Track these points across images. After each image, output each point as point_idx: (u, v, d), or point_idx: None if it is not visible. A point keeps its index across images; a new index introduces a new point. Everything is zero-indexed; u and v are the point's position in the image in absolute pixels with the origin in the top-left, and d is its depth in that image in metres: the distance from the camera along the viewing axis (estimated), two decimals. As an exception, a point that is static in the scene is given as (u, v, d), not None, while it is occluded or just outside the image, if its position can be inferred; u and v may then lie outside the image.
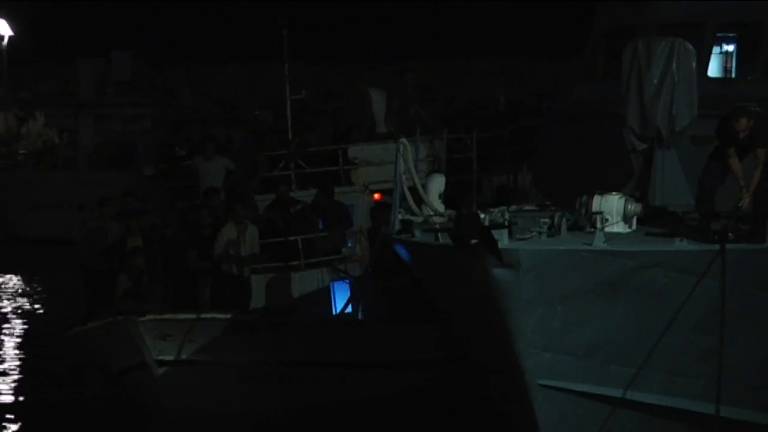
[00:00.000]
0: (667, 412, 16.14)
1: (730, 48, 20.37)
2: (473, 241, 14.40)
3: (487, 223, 14.66)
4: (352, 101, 26.92)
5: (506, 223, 14.69)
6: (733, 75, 20.24)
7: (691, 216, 16.70)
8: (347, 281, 22.54)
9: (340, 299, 22.46)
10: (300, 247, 22.55)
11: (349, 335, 21.38)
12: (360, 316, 22.23)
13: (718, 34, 20.07)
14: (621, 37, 18.72)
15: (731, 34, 20.18)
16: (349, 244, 23.26)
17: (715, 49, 20.47)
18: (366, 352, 20.99)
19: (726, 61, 20.45)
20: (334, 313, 22.34)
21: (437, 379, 21.05)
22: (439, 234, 15.21)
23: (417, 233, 16.05)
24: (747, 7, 19.88)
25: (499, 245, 14.48)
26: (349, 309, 22.36)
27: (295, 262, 22.42)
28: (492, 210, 15.97)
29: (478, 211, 15.35)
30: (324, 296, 22.43)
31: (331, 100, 29.20)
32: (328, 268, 22.61)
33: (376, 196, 24.16)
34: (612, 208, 15.81)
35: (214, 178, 23.61)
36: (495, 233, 14.46)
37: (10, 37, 48.71)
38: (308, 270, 22.57)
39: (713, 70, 20.36)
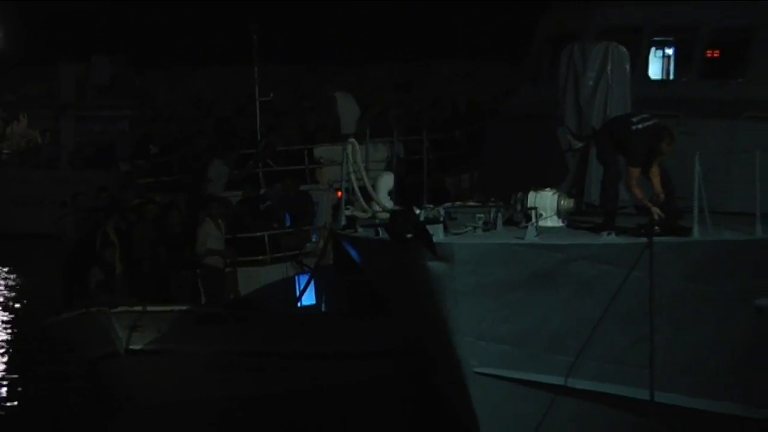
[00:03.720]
0: (602, 398, 16.07)
1: (670, 51, 20.33)
2: (408, 236, 14.31)
3: (422, 218, 14.58)
4: (321, 103, 26.88)
5: (441, 219, 14.60)
6: (672, 77, 20.18)
7: (624, 211, 16.58)
8: (310, 275, 22.42)
9: (305, 291, 22.40)
10: (266, 242, 22.41)
11: (311, 327, 21.36)
12: (323, 309, 22.23)
13: (656, 38, 19.97)
14: (564, 41, 18.59)
15: (670, 38, 20.13)
16: (314, 239, 23.16)
17: (658, 53, 20.41)
18: (328, 344, 20.96)
19: (666, 64, 20.44)
20: (298, 305, 22.19)
21: (395, 369, 21.00)
22: (379, 229, 15.14)
23: (360, 229, 15.95)
24: (682, 12, 19.79)
25: (434, 239, 14.42)
26: (312, 301, 22.35)
27: (261, 257, 22.28)
28: (428, 206, 15.86)
29: (414, 208, 15.30)
30: (289, 289, 22.28)
31: (304, 101, 29.31)
32: (293, 262, 22.50)
33: (339, 193, 24.10)
34: (545, 204, 15.75)
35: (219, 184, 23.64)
36: (430, 228, 14.38)
37: (-6, 43, 48.81)
38: (274, 264, 22.42)
39: (654, 72, 20.28)
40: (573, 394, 15.89)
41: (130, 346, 19.86)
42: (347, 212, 16.22)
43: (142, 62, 47.50)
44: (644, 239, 15.26)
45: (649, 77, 19.98)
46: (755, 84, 18.60)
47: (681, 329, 16.04)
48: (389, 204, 16.47)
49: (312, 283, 22.17)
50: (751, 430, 17.45)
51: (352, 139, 16.25)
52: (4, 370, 23.51)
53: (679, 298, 15.85)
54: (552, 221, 15.81)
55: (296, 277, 22.35)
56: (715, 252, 15.96)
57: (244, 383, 20.37)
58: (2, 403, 21.14)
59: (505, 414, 15.54)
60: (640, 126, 16.29)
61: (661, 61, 20.50)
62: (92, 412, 20.76)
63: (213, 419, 20.06)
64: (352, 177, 15.83)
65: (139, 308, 19.99)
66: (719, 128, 18.33)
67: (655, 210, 15.91)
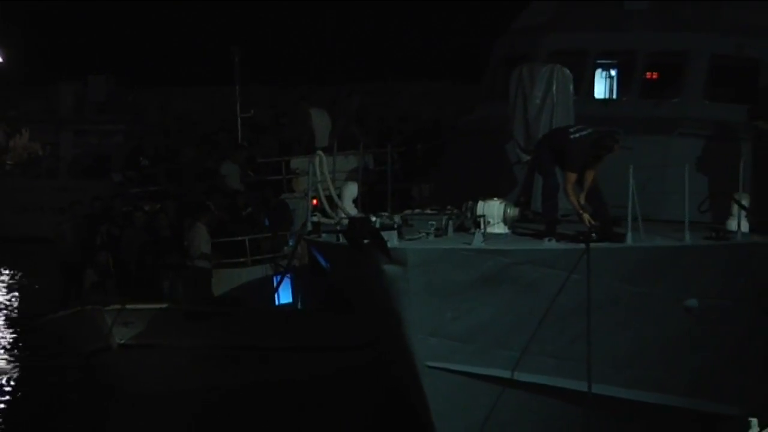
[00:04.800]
0: (546, 390, 16.03)
1: (614, 73, 20.35)
2: (365, 241, 14.27)
3: (377, 225, 14.48)
4: (296, 119, 26.82)
5: (395, 226, 14.50)
6: (615, 96, 20.17)
7: (568, 218, 16.60)
8: (288, 275, 22.40)
9: (283, 291, 22.38)
10: (247, 245, 22.43)
11: (288, 323, 21.39)
12: (299, 306, 22.25)
13: (600, 61, 20.03)
14: (517, 63, 18.62)
15: (614, 61, 20.14)
16: (290, 243, 23.17)
17: (604, 74, 20.41)
18: (303, 338, 20.98)
19: (610, 85, 20.43)
20: (276, 303, 22.16)
21: (365, 360, 21.02)
22: (340, 235, 15.06)
23: (323, 234, 15.88)
24: (623, 39, 19.86)
25: (389, 245, 14.35)
26: (289, 299, 22.35)
27: (242, 259, 22.28)
28: (383, 214, 15.73)
29: (370, 215, 15.12)
30: (267, 288, 22.24)
31: (281, 117, 29.23)
32: (272, 264, 22.50)
33: (314, 201, 24.11)
34: (493, 212, 15.69)
35: (233, 179, 23.59)
36: (385, 234, 14.32)
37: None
38: (254, 266, 22.38)
39: (600, 92, 20.32)
40: (518, 386, 15.84)
41: (121, 341, 19.85)
42: (314, 219, 16.08)
43: (135, 81, 47.27)
44: (582, 245, 15.22)
45: (594, 96, 20.03)
46: (688, 104, 18.73)
47: (616, 327, 16.00)
48: (354, 211, 16.34)
49: (288, 282, 22.20)
50: (680, 418, 17.47)
51: (320, 152, 16.09)
52: (6, 363, 23.40)
53: (614, 299, 15.82)
54: (499, 228, 15.76)
55: (274, 278, 22.28)
56: (647, 257, 15.99)
57: (227, 374, 20.37)
58: (4, 393, 21.07)
59: (456, 404, 15.45)
60: (577, 135, 16.35)
61: (606, 81, 20.49)
62: (87, 402, 20.70)
63: (198, 408, 20.02)
64: (319, 186, 15.71)
65: (128, 306, 19.91)
66: (655, 143, 18.38)
67: (586, 216, 16.00)
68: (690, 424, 17.56)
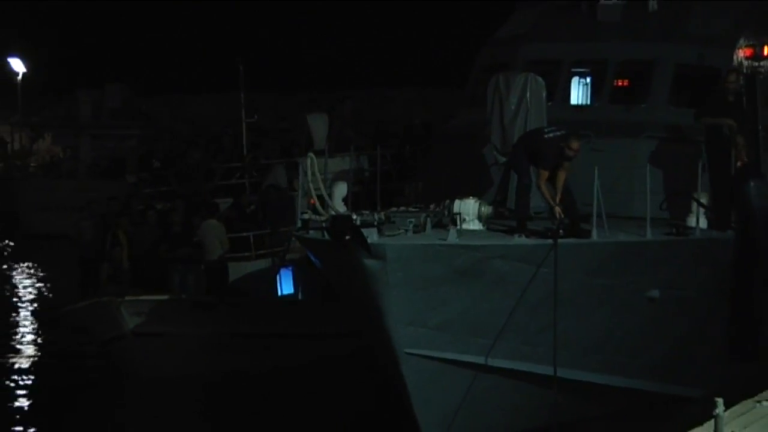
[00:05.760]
0: (518, 374, 16.10)
1: (588, 80, 20.34)
2: (347, 237, 14.30)
3: (358, 222, 14.51)
4: (297, 123, 26.87)
5: (375, 223, 14.54)
6: (589, 103, 20.15)
7: (540, 216, 16.64)
8: (289, 268, 22.41)
9: (285, 283, 22.42)
10: (251, 241, 22.40)
11: (289, 312, 21.38)
12: (299, 297, 22.18)
13: (573, 70, 20.00)
14: (497, 72, 18.60)
15: (587, 70, 20.12)
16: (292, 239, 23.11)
17: (581, 81, 20.37)
18: (304, 326, 20.95)
19: (586, 91, 20.40)
20: (278, 293, 22.12)
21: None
22: (324, 231, 15.07)
23: (311, 231, 15.86)
24: (594, 48, 19.86)
25: (369, 240, 14.35)
26: (291, 290, 22.35)
27: (247, 253, 22.26)
28: (365, 212, 15.68)
29: (352, 213, 15.18)
30: (271, 280, 22.17)
31: (282, 122, 29.21)
32: (274, 257, 22.48)
33: (312, 200, 24.08)
34: (468, 210, 15.72)
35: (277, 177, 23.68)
36: (366, 230, 14.33)
37: (23, 73, 48.37)
38: (258, 259, 22.33)
39: (576, 98, 20.27)
40: (491, 371, 15.87)
41: (135, 329, 19.92)
42: (305, 216, 15.98)
43: (148, 90, 47.46)
44: (550, 241, 15.28)
45: (570, 102, 19.98)
46: (653, 109, 18.74)
47: (583, 317, 16.05)
48: (343, 209, 16.36)
49: (290, 274, 22.15)
50: (641, 400, 17.47)
51: (311, 154, 15.96)
52: (29, 350, 23.54)
53: (580, 291, 15.86)
54: (474, 225, 15.77)
55: (277, 270, 22.35)
56: (611, 251, 16.04)
57: (233, 360, 20.33)
58: (29, 376, 21.21)
59: (433, 388, 15.48)
60: (551, 135, 16.42)
61: (582, 88, 20.47)
62: (104, 384, 20.76)
63: (206, 391, 20.04)
64: (311, 185, 15.63)
65: (142, 297, 20.04)
66: (623, 146, 18.42)
67: (558, 210, 16.05)
68: (658, 407, 17.54)
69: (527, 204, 16.30)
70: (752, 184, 17.37)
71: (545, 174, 16.25)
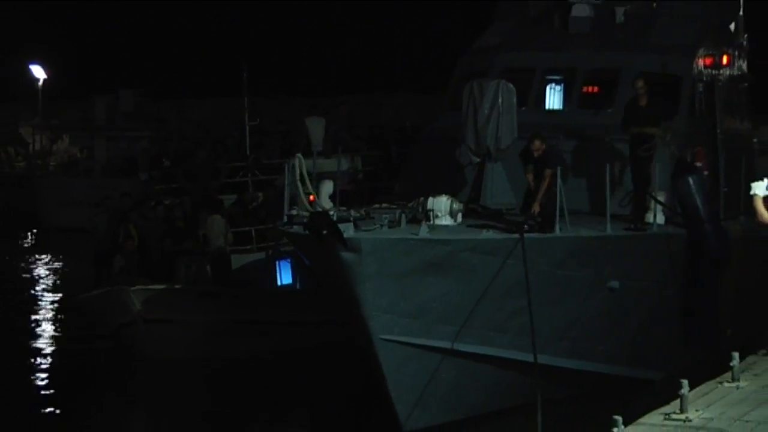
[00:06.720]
0: (481, 358, 16.12)
1: (560, 87, 20.32)
2: (324, 232, 14.37)
3: (335, 218, 14.57)
4: (296, 126, 26.97)
5: (351, 218, 14.59)
6: (562, 107, 20.21)
7: (512, 212, 16.75)
8: (288, 260, 22.51)
9: (284, 273, 22.48)
10: (253, 235, 22.48)
11: (288, 301, 21.41)
12: (297, 287, 22.13)
13: (549, 77, 20.08)
14: (475, 78, 18.40)
15: (559, 77, 20.17)
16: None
17: (557, 87, 20.36)
18: (302, 314, 20.93)
19: (559, 97, 20.40)
20: (278, 284, 22.07)
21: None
22: (303, 227, 15.09)
23: (294, 226, 15.85)
24: (564, 57, 19.96)
25: (345, 235, 14.39)
26: (289, 281, 22.35)
27: (249, 246, 22.35)
28: (342, 208, 15.79)
29: (329, 209, 15.18)
30: (271, 271, 22.21)
31: (283, 125, 29.28)
32: (274, 250, 22.67)
33: (311, 197, 24.16)
34: (441, 207, 15.76)
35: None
36: (342, 225, 14.40)
37: (44, 80, 48.56)
38: (259, 252, 22.40)
39: (551, 103, 20.29)
40: (460, 355, 15.93)
41: (145, 316, 19.93)
42: (292, 212, 15.92)
43: (158, 94, 47.57)
44: (516, 235, 15.37)
45: (543, 107, 20.04)
46: (619, 114, 18.64)
47: (547, 306, 16.06)
48: (330, 206, 16.35)
49: (289, 265, 22.14)
50: (606, 383, 17.45)
51: (299, 155, 15.88)
52: (48, 334, 23.72)
53: (546, 282, 15.93)
54: (446, 220, 15.80)
55: (276, 262, 22.37)
56: (574, 245, 16.17)
57: (236, 345, 20.32)
58: (45, 361, 21.32)
59: (406, 370, 15.54)
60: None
61: (556, 94, 20.46)
62: (116, 366, 20.86)
63: (210, 373, 20.05)
64: (299, 184, 15.54)
65: (152, 287, 20.11)
66: (589, 148, 18.54)
67: (536, 206, 16.29)
68: (623, 389, 17.51)
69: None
70: (690, 178, 17.46)
71: (529, 174, 16.67)
